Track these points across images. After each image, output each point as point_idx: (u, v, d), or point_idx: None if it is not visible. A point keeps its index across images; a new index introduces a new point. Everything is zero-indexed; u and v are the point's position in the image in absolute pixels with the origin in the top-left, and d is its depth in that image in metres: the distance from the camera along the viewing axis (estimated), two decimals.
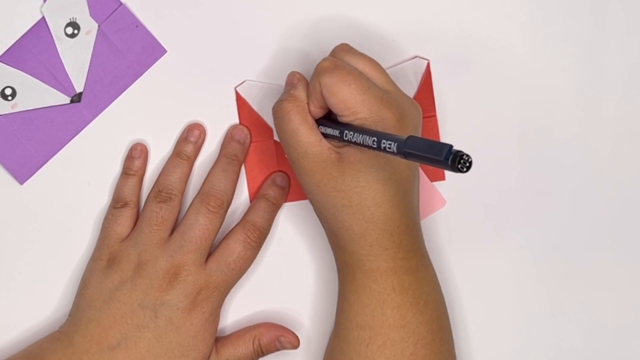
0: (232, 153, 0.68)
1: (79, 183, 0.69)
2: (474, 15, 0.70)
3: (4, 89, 0.68)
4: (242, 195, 0.70)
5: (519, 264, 0.71)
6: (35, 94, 0.68)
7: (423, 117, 0.67)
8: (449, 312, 0.64)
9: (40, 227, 0.69)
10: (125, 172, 0.68)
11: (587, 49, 0.71)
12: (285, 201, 0.70)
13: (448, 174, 0.70)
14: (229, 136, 0.69)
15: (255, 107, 0.69)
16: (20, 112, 0.68)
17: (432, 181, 0.70)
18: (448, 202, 0.70)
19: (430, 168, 0.69)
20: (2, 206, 0.69)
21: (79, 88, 0.69)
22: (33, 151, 0.69)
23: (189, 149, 0.68)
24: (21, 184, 0.69)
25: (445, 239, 0.71)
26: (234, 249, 0.66)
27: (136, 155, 0.68)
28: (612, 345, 0.72)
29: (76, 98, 0.69)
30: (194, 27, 0.69)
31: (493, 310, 0.72)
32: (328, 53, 0.63)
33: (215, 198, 0.66)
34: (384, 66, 0.63)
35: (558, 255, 0.72)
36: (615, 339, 0.72)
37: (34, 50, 0.68)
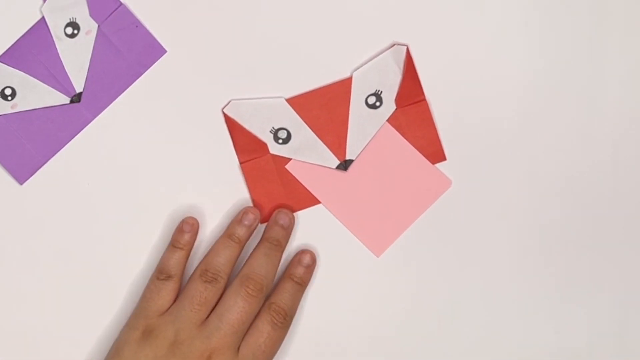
0: (275, 238, 0.68)
1: (79, 183, 0.69)
2: (472, 18, 0.70)
3: (3, 89, 0.68)
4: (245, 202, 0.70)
5: (518, 262, 0.71)
6: (35, 94, 0.68)
7: (412, 103, 0.68)
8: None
9: (40, 227, 0.69)
10: (173, 244, 0.68)
11: (587, 49, 0.70)
12: (293, 210, 0.70)
13: (449, 153, 0.70)
14: (273, 220, 0.69)
15: (245, 125, 0.69)
16: (20, 112, 0.68)
17: (433, 163, 0.70)
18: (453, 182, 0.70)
19: (430, 150, 0.69)
20: (1, 206, 0.69)
21: (78, 88, 0.69)
22: (33, 151, 0.69)
23: (241, 232, 0.68)
24: (21, 184, 0.69)
25: (455, 219, 0.71)
26: (263, 330, 0.65)
27: (186, 229, 0.68)
28: (612, 346, 0.72)
29: (76, 98, 0.69)
30: (194, 27, 0.69)
31: (494, 308, 0.72)
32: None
33: (255, 282, 0.65)
34: (363, 59, 0.66)
35: (558, 254, 0.71)
36: (616, 339, 0.72)
37: (34, 50, 0.68)
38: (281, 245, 0.68)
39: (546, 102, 0.70)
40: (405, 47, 0.69)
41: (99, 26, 0.68)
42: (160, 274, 0.67)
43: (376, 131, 0.69)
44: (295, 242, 0.70)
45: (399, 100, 0.69)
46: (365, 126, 0.69)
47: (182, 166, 0.70)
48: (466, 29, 0.69)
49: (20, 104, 0.68)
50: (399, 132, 0.69)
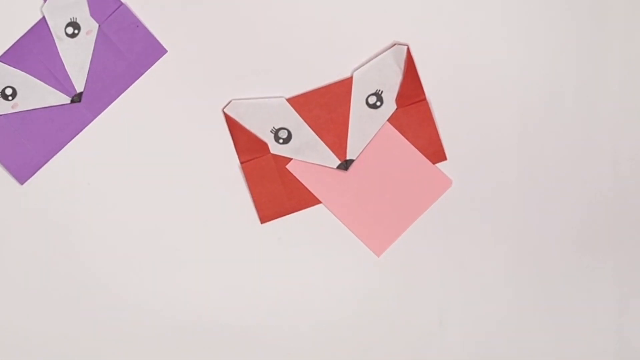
0: None
1: (79, 183, 0.69)
2: (473, 18, 0.70)
3: (4, 89, 0.68)
4: (249, 211, 0.70)
5: (515, 262, 0.71)
6: (36, 94, 0.68)
7: (413, 103, 0.68)
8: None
9: (40, 227, 0.69)
10: None
11: (587, 48, 0.71)
12: (289, 213, 0.70)
13: (449, 153, 0.70)
14: None
15: (246, 125, 0.69)
16: (20, 112, 0.68)
17: (434, 163, 0.70)
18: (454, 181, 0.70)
19: (430, 150, 0.69)
20: (2, 206, 0.69)
21: (79, 88, 0.69)
22: (33, 151, 0.69)
23: None
24: (21, 184, 0.69)
25: (456, 219, 0.71)
26: None
27: None
28: (611, 345, 0.72)
29: (76, 98, 0.69)
30: (195, 26, 0.69)
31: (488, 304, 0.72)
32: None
33: None
34: (363, 59, 0.67)
35: (557, 255, 0.71)
36: (615, 339, 0.72)
37: (35, 50, 0.68)
38: None
39: (547, 102, 0.70)
40: (406, 47, 0.69)
41: (99, 26, 0.68)
42: None
43: (377, 131, 0.69)
44: (296, 243, 0.70)
45: (400, 99, 0.69)
46: (365, 126, 0.69)
47: (183, 166, 0.70)
48: (467, 28, 0.69)
49: (20, 104, 0.68)
50: (400, 132, 0.69)
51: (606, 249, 0.71)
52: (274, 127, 0.69)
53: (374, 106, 0.69)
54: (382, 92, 0.69)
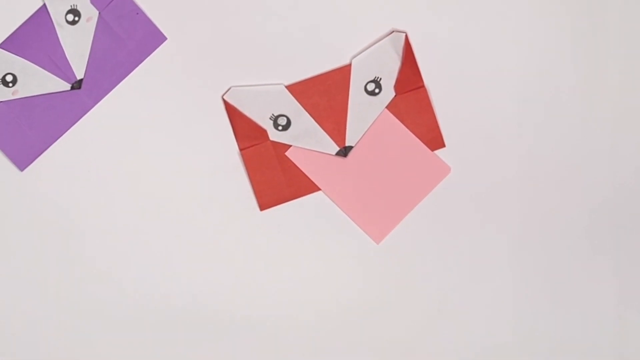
0: None
1: (79, 170, 0.70)
2: (471, 5, 0.70)
3: (4, 76, 0.69)
4: (248, 198, 0.70)
5: (517, 254, 0.71)
6: (36, 81, 0.69)
7: (411, 90, 0.69)
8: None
9: (40, 213, 0.69)
10: None
11: (587, 35, 0.71)
12: (288, 200, 0.70)
13: (448, 140, 0.70)
14: None
15: (245, 112, 0.69)
16: (20, 98, 0.69)
17: (432, 150, 0.70)
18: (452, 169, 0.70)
19: (429, 137, 0.69)
20: (2, 193, 0.69)
21: (79, 75, 0.69)
22: (33, 138, 0.69)
23: None
24: (21, 170, 0.69)
25: (454, 206, 0.71)
26: None
27: None
28: (611, 344, 0.72)
29: (77, 85, 0.69)
30: (195, 14, 0.69)
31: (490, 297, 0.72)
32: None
33: None
34: (362, 46, 0.67)
35: (556, 242, 0.71)
36: (615, 338, 0.72)
37: (35, 37, 0.68)
38: None
39: (545, 89, 0.70)
40: (404, 34, 0.69)
41: (99, 13, 0.69)
42: None
43: (375, 118, 0.70)
44: (296, 230, 0.70)
45: (398, 87, 0.69)
46: (364, 113, 0.69)
47: (182, 153, 0.70)
48: (465, 15, 0.70)
49: (21, 91, 0.69)
50: (398, 119, 0.70)
51: (605, 234, 0.71)
52: (273, 114, 0.69)
53: (372, 93, 0.69)
54: (380, 79, 0.69)
